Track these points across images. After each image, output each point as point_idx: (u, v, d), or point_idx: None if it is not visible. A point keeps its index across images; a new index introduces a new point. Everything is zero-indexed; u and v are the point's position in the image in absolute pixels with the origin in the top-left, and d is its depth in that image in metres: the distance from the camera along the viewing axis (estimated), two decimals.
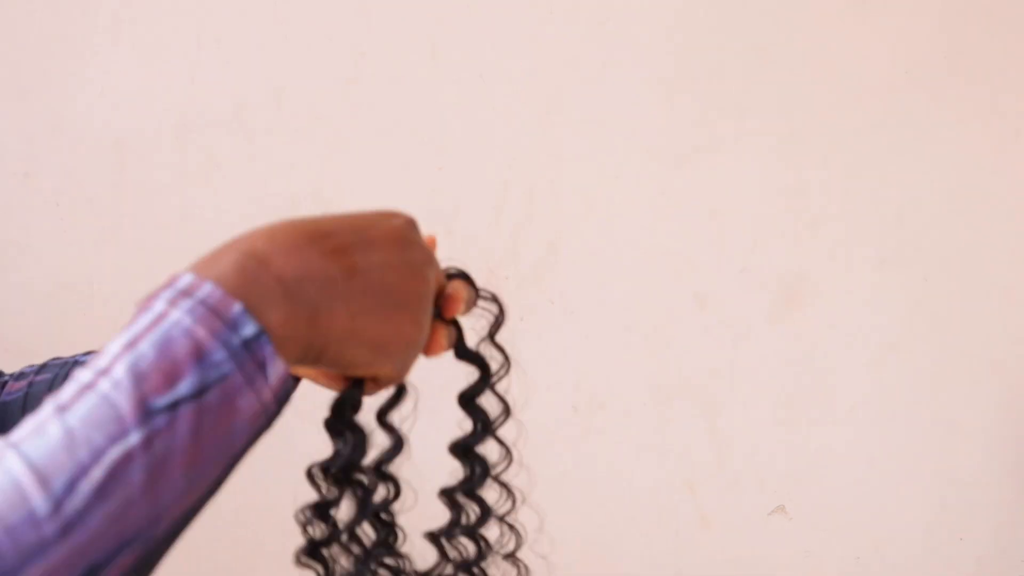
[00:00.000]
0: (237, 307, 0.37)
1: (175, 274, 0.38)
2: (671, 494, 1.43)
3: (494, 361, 0.52)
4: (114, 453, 0.33)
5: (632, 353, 1.41)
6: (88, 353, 0.63)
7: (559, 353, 1.39)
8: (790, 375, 1.42)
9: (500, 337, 0.52)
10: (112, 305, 1.35)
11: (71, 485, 0.32)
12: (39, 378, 0.62)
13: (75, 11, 1.35)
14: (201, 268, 0.39)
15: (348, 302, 0.41)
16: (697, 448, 1.43)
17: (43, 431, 0.33)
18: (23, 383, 0.62)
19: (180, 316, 0.36)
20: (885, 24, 1.38)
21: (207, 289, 0.37)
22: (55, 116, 1.36)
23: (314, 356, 0.41)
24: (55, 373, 0.61)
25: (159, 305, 0.37)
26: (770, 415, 1.42)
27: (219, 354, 0.36)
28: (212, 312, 0.37)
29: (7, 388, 0.62)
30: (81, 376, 0.35)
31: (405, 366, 0.45)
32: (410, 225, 0.45)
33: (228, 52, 1.36)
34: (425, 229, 0.51)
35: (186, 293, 0.37)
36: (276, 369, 0.38)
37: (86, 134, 1.36)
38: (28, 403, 0.60)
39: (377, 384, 0.46)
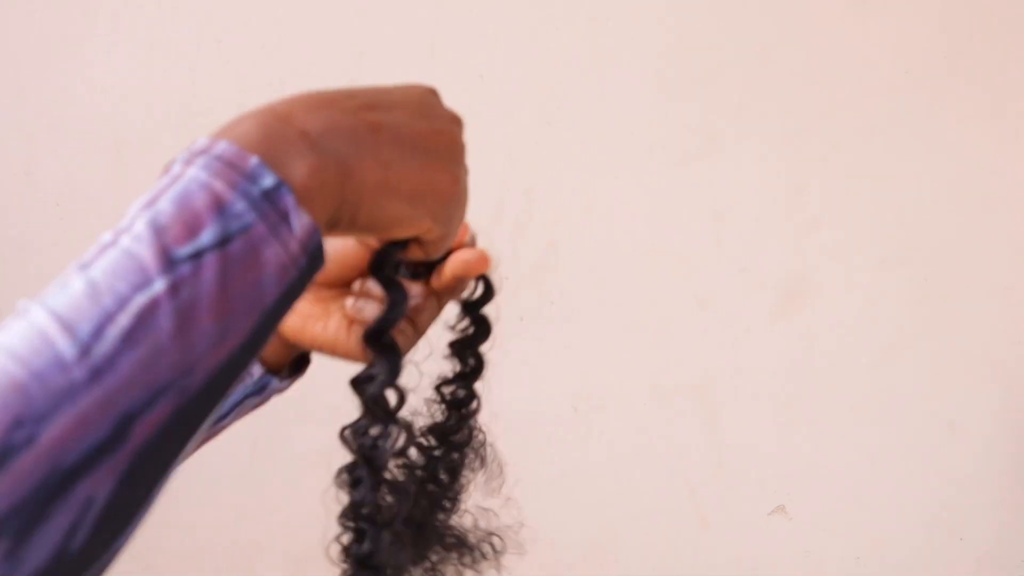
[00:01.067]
0: (254, 160, 0.37)
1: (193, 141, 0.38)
2: (671, 494, 1.43)
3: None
4: (140, 300, 0.33)
5: (632, 353, 1.41)
6: None
7: (559, 353, 1.39)
8: (790, 375, 1.42)
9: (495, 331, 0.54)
10: None
11: (98, 331, 0.32)
12: None
13: (75, 11, 1.35)
14: (219, 131, 0.39)
15: (377, 153, 0.41)
16: (697, 448, 1.43)
17: (66, 285, 0.33)
18: None
19: (196, 172, 0.36)
20: (885, 24, 1.38)
21: (222, 146, 0.37)
22: (55, 116, 1.36)
23: (349, 216, 0.40)
24: None
25: (176, 167, 0.37)
26: (770, 415, 1.42)
27: (239, 205, 0.36)
28: (228, 165, 0.36)
29: None
30: (102, 237, 0.35)
31: (449, 224, 0.44)
32: (431, 92, 0.45)
33: (228, 52, 1.36)
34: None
35: (202, 152, 0.37)
36: (301, 220, 0.37)
37: (86, 134, 1.36)
38: None
39: (423, 247, 0.45)
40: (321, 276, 0.51)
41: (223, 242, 0.35)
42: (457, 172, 0.44)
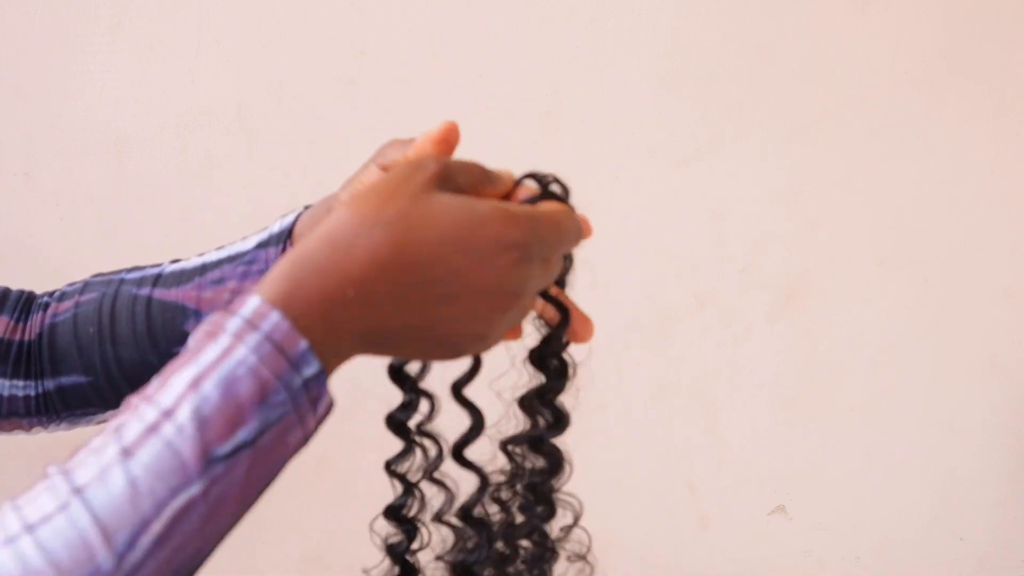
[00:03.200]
0: (303, 344, 0.37)
1: (245, 295, 0.38)
2: (671, 494, 1.43)
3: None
4: (176, 503, 0.34)
5: (632, 353, 1.41)
6: (133, 269, 0.62)
7: None
8: (790, 375, 1.42)
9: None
10: None
11: (133, 540, 0.34)
12: (84, 298, 0.61)
13: (75, 11, 1.35)
14: (277, 291, 0.38)
15: (408, 348, 0.42)
16: (697, 448, 1.43)
17: (107, 478, 0.34)
18: (69, 303, 0.61)
19: (246, 354, 0.36)
20: (885, 24, 1.38)
21: (274, 320, 0.37)
22: (55, 116, 1.36)
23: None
24: (101, 292, 0.61)
25: (224, 338, 0.37)
26: (770, 415, 1.42)
27: (281, 395, 0.36)
28: (278, 350, 0.36)
29: (52, 310, 0.62)
30: (145, 413, 0.36)
31: (491, 344, 0.45)
32: (518, 264, 0.41)
33: (228, 52, 1.36)
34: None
35: (253, 324, 0.37)
36: (325, 402, 0.38)
37: (86, 134, 1.36)
38: (78, 325, 0.60)
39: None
40: None
41: (258, 436, 0.36)
42: (483, 350, 0.44)
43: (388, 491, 0.52)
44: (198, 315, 0.57)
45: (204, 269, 0.59)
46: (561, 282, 0.50)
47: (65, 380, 0.61)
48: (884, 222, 1.41)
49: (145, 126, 1.36)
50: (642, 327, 1.41)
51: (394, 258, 0.39)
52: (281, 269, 0.39)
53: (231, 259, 0.58)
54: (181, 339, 0.58)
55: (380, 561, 0.49)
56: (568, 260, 0.51)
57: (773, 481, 1.43)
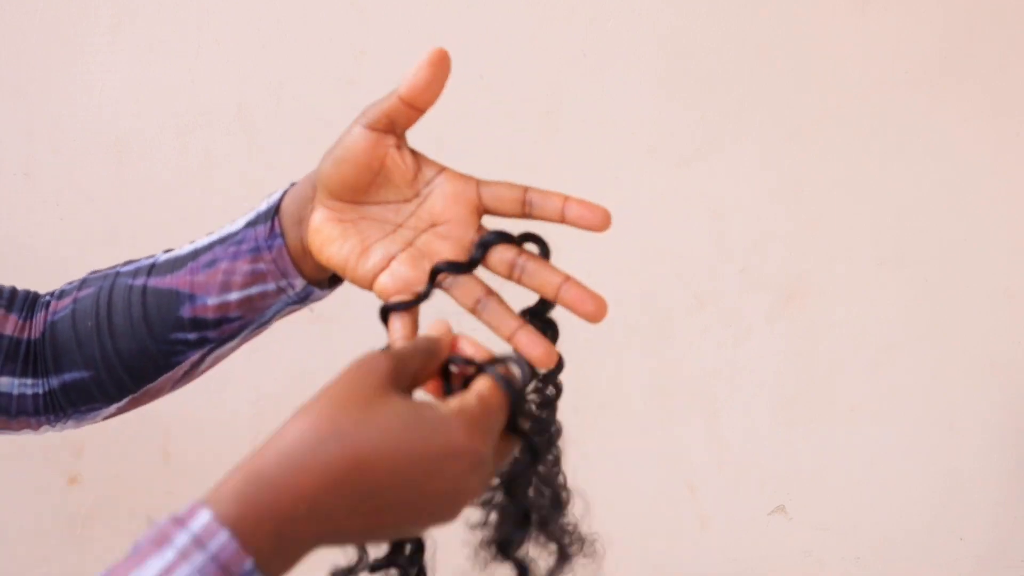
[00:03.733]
0: (248, 564, 0.37)
1: (194, 505, 0.38)
2: (671, 494, 1.43)
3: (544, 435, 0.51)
4: None
5: (632, 353, 1.41)
6: (128, 262, 0.63)
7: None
8: (790, 375, 1.42)
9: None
10: None
11: None
12: (82, 294, 0.62)
13: (75, 11, 1.35)
14: (228, 507, 0.38)
15: (364, 541, 0.43)
16: (697, 448, 1.43)
17: None
18: (67, 300, 0.62)
19: (189, 573, 0.36)
20: (885, 24, 1.38)
21: (222, 540, 0.37)
22: (55, 116, 1.36)
23: None
24: (98, 287, 0.62)
25: (170, 553, 0.37)
26: (770, 415, 1.42)
27: None
28: (222, 570, 0.37)
29: (51, 307, 0.63)
30: None
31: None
32: (476, 468, 0.42)
33: (228, 52, 1.36)
34: None
35: (200, 542, 0.37)
36: None
37: (86, 134, 1.36)
38: (76, 320, 0.61)
39: None
40: (335, 190, 0.53)
41: None
42: (437, 524, 0.44)
43: None
44: (192, 299, 0.58)
45: (196, 254, 0.60)
46: (552, 406, 0.51)
47: (68, 376, 0.61)
48: (884, 222, 1.41)
49: (145, 126, 1.36)
50: (642, 327, 1.41)
51: (347, 473, 0.39)
52: (235, 484, 0.39)
53: (221, 241, 0.59)
54: (178, 325, 0.59)
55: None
56: (557, 388, 0.53)
57: (773, 481, 1.43)
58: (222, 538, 0.37)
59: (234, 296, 0.58)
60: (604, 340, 1.40)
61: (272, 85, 1.36)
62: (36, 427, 0.64)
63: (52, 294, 0.65)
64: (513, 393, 0.45)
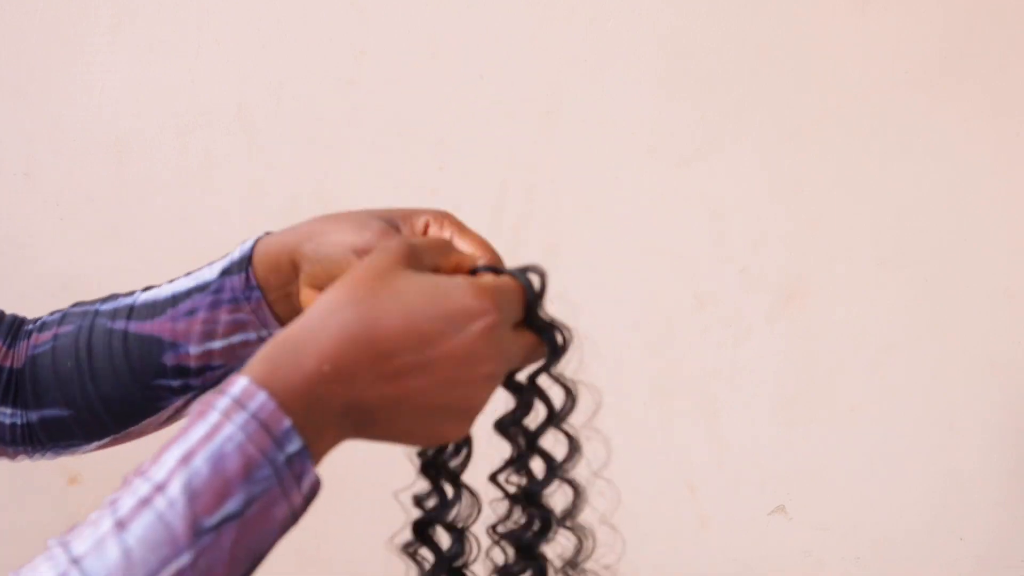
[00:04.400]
0: (287, 423, 0.40)
1: (235, 375, 0.41)
2: (671, 494, 1.43)
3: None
4: (167, 573, 0.37)
5: (632, 353, 1.41)
6: (107, 299, 0.63)
7: None
8: (790, 375, 1.42)
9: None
10: None
11: None
12: (63, 330, 0.61)
13: (75, 11, 1.35)
14: (261, 372, 0.41)
15: (392, 424, 0.44)
16: (697, 448, 1.43)
17: (103, 549, 0.37)
18: (48, 335, 0.62)
19: (233, 431, 0.39)
20: (885, 24, 1.38)
21: (261, 400, 0.40)
22: (55, 116, 1.36)
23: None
24: (78, 325, 0.61)
25: (214, 416, 0.39)
26: (770, 415, 1.42)
27: (265, 470, 0.39)
28: (263, 428, 0.39)
29: (33, 340, 0.62)
30: (138, 488, 0.38)
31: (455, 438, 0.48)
32: (489, 331, 0.44)
33: (228, 52, 1.36)
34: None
35: (240, 403, 0.40)
36: (310, 479, 0.41)
37: (86, 134, 1.36)
38: (56, 358, 0.61)
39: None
40: (324, 285, 0.54)
41: (245, 508, 0.38)
42: (473, 419, 0.47)
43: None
44: (175, 347, 0.58)
45: (175, 300, 0.59)
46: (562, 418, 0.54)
47: (47, 413, 0.61)
48: (884, 222, 1.41)
49: (145, 126, 1.36)
50: (642, 327, 1.41)
51: (365, 331, 0.42)
52: (265, 351, 0.42)
53: (200, 288, 0.59)
54: (160, 372, 0.59)
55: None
56: (572, 398, 0.56)
57: (773, 481, 1.43)
58: (260, 398, 0.40)
59: (217, 344, 0.58)
60: (604, 340, 1.40)
61: (272, 85, 1.36)
62: (12, 456, 0.63)
63: (35, 323, 0.64)
64: (529, 287, 0.48)
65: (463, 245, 0.55)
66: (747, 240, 1.40)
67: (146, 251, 1.37)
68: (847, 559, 1.45)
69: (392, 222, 0.55)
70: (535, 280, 0.49)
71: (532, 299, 0.48)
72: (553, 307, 0.54)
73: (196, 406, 0.40)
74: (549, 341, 0.50)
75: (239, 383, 0.40)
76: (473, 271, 0.49)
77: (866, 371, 1.42)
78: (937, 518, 1.44)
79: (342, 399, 0.41)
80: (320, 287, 0.55)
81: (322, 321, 0.42)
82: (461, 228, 0.56)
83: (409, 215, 0.57)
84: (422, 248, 0.47)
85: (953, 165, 1.40)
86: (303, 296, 0.56)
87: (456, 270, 0.50)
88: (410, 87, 1.37)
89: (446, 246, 0.50)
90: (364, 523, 1.32)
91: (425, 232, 0.56)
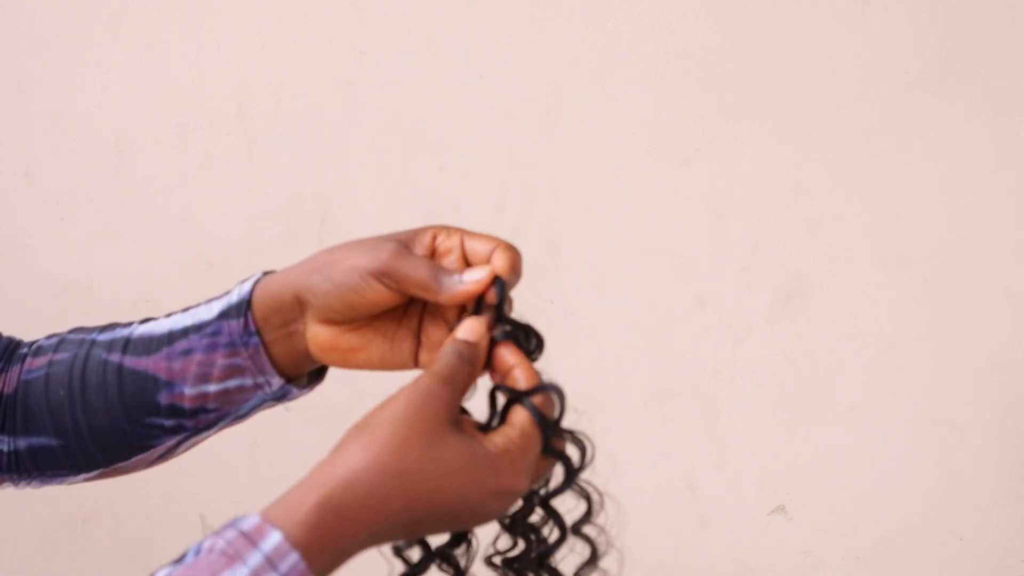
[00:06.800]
0: None
1: (261, 523, 0.42)
2: (671, 494, 1.43)
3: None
4: None
5: (632, 353, 1.41)
6: (106, 328, 0.62)
7: (559, 354, 1.39)
8: (790, 375, 1.42)
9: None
10: (112, 305, 1.35)
11: None
12: (58, 357, 0.60)
13: (75, 11, 1.35)
14: (299, 532, 0.42)
15: (405, 535, 0.48)
16: (697, 448, 1.43)
17: None
18: (43, 360, 0.60)
19: None
20: (885, 24, 1.38)
21: (292, 561, 0.41)
22: (55, 116, 1.36)
23: None
24: (73, 354, 0.60)
25: (242, 571, 0.40)
26: (770, 415, 1.42)
27: None
28: None
29: (27, 364, 0.61)
30: None
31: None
32: (516, 497, 0.49)
33: (228, 52, 1.36)
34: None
35: (272, 564, 0.41)
36: None
37: (86, 134, 1.36)
38: (49, 385, 0.59)
39: None
40: (338, 316, 0.54)
41: None
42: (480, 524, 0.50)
43: None
44: (170, 386, 0.57)
45: (172, 338, 0.58)
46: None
47: (36, 440, 0.60)
48: (884, 222, 1.41)
49: (145, 126, 1.36)
50: (642, 327, 1.41)
51: (405, 508, 0.44)
52: (308, 512, 0.42)
53: (197, 328, 0.57)
54: (154, 410, 0.58)
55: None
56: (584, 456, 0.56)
57: (773, 481, 1.43)
58: (292, 559, 0.41)
59: (212, 388, 0.57)
60: (604, 340, 1.40)
61: (272, 85, 1.36)
62: None
63: (30, 347, 0.63)
64: (548, 428, 0.50)
65: (475, 245, 0.54)
66: (747, 240, 1.40)
67: (146, 251, 1.37)
68: (847, 559, 1.45)
69: (403, 242, 0.54)
70: (554, 403, 0.51)
71: (549, 434, 0.50)
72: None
73: (222, 543, 0.41)
74: (566, 466, 0.54)
75: (271, 539, 0.41)
76: (492, 392, 0.51)
77: (866, 371, 1.42)
78: (937, 518, 1.44)
79: (363, 547, 0.44)
80: (335, 321, 0.54)
81: (367, 494, 0.43)
82: (468, 232, 0.55)
83: (415, 234, 0.55)
84: (457, 378, 0.48)
85: (953, 165, 1.40)
86: (310, 333, 0.55)
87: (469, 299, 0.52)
88: (410, 87, 1.37)
89: (474, 361, 0.50)
90: None
91: (433, 243, 0.55)
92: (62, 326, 0.64)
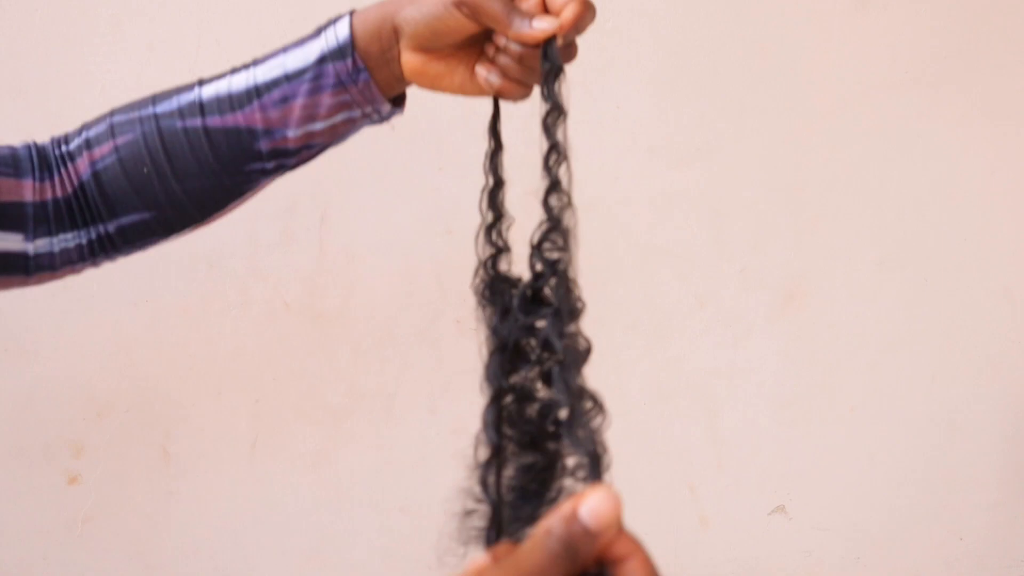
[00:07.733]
0: None
1: None
2: (671, 494, 1.44)
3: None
4: None
5: (632, 353, 1.41)
6: (159, 100, 0.64)
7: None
8: (790, 375, 1.42)
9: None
10: (112, 305, 1.35)
11: None
12: (122, 140, 0.64)
13: (75, 11, 1.35)
14: None
15: None
16: (697, 448, 1.43)
17: None
18: (106, 148, 0.64)
19: None
20: (885, 24, 1.38)
21: None
22: (55, 116, 1.36)
23: None
24: (139, 132, 0.64)
25: None
26: (770, 415, 1.43)
27: None
28: None
29: (88, 158, 0.65)
30: None
31: None
32: None
33: (228, 52, 1.36)
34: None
35: None
36: None
37: None
38: (126, 167, 0.63)
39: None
40: (427, 43, 0.59)
41: None
42: None
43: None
44: (269, 133, 0.62)
45: (259, 91, 0.62)
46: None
47: (126, 219, 0.64)
48: (884, 222, 1.41)
49: None
50: (642, 327, 1.41)
51: None
52: None
53: (290, 77, 0.62)
54: (255, 157, 0.62)
55: None
56: (587, 349, 0.52)
57: (773, 481, 1.44)
58: None
59: (319, 126, 0.62)
60: (604, 340, 1.40)
61: None
62: (80, 270, 0.67)
63: (68, 144, 0.66)
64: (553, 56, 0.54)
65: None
66: (747, 240, 1.40)
67: (146, 251, 1.37)
68: (847, 559, 1.45)
69: None
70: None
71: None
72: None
73: None
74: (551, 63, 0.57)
75: None
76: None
77: (866, 371, 1.42)
78: (937, 518, 1.44)
79: None
80: (424, 48, 0.60)
81: None
82: None
83: None
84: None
85: (953, 165, 1.40)
86: (404, 59, 0.60)
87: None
88: (410, 87, 1.37)
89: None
90: (365, 524, 1.31)
91: None
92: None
